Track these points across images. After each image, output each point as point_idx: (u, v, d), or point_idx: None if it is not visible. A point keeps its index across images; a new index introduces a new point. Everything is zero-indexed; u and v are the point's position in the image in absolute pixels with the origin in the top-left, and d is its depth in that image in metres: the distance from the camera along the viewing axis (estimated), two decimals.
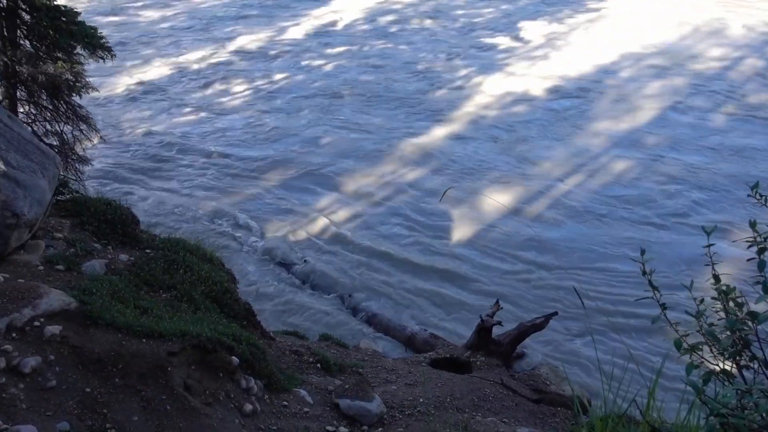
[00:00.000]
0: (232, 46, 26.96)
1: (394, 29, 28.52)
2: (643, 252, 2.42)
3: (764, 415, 1.82)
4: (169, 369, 4.73)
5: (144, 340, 4.81)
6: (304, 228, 13.88)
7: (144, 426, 4.34)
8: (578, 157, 16.94)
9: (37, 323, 4.56)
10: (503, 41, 26.81)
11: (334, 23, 29.73)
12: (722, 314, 2.21)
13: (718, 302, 2.24)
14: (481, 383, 7.74)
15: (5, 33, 9.62)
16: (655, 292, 2.39)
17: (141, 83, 23.31)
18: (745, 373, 2.15)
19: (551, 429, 6.82)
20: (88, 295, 5.10)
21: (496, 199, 13.48)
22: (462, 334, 10.02)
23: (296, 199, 15.14)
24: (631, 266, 11.56)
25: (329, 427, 5.61)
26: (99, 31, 9.98)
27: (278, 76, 23.93)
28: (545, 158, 16.92)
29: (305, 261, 12.43)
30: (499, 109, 20.43)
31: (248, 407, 5.18)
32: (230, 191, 15.60)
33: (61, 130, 10.49)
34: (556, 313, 9.23)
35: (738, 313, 2.16)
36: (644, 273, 2.41)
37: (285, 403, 5.69)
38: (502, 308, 9.57)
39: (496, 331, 9.11)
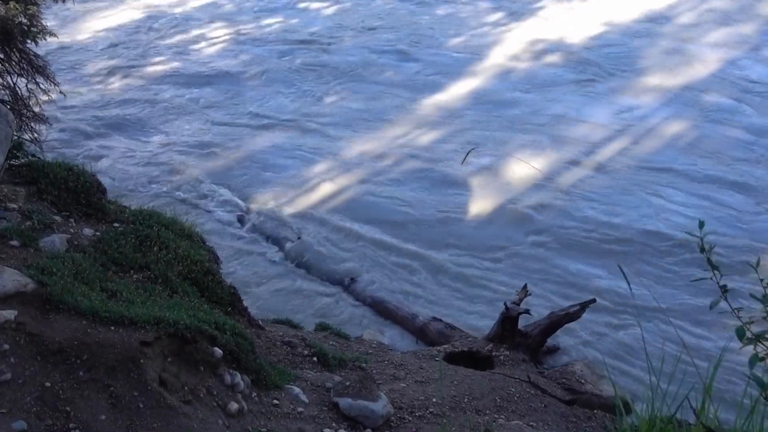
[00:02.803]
0: None
1: None
2: (701, 224, 2.38)
3: None
4: (141, 361, 4.75)
5: (112, 328, 4.83)
6: (298, 199, 13.86)
7: (112, 426, 4.37)
8: (623, 118, 16.76)
9: None
10: None
11: None
12: None
13: None
14: (504, 381, 7.74)
15: None
16: (715, 272, 2.36)
17: (108, 29, 23.21)
18: None
19: None
20: (48, 276, 5.11)
21: (529, 162, 13.36)
22: (483, 325, 10.03)
23: (290, 165, 15.09)
24: (686, 245, 11.53)
25: (327, 430, 5.64)
26: None
27: (268, 21, 23.75)
28: (583, 119, 16.75)
29: (299, 238, 12.43)
30: (531, 61, 20.23)
31: (233, 406, 5.21)
32: (213, 155, 15.57)
33: (14, 83, 10.42)
34: (593, 300, 9.22)
35: None
36: (702, 250, 2.37)
37: (276, 401, 5.73)
38: (530, 294, 9.57)
39: (524, 321, 9.12)
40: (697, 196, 13.53)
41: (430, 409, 6.59)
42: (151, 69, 20.33)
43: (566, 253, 11.83)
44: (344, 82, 19.17)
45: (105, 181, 7.71)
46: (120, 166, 15.15)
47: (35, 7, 9.83)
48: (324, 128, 16.65)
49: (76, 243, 6.08)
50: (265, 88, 18.88)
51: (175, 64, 20.65)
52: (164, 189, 14.24)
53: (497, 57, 20.44)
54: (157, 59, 21.05)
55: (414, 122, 16.82)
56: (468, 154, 13.01)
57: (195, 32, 23.17)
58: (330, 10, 24.82)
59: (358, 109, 17.61)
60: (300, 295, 11.09)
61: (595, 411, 7.57)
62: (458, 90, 18.45)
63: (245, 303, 7.59)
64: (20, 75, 10.44)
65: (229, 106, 18.03)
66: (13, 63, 10.32)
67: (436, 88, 18.65)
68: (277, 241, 12.55)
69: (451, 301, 10.83)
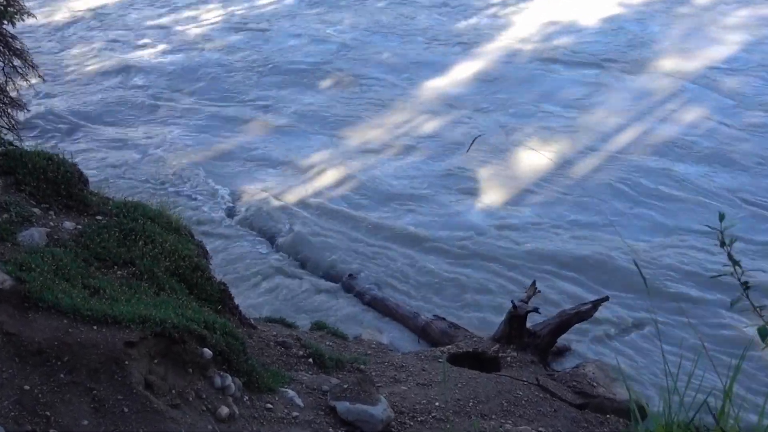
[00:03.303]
0: None
1: None
2: (722, 217, 2.38)
3: None
4: (126, 363, 4.76)
5: (95, 328, 4.84)
6: (292, 190, 13.85)
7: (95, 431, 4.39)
8: (639, 102, 16.75)
9: None
10: None
11: None
12: None
13: None
14: (512, 384, 7.71)
15: None
16: (736, 267, 2.36)
17: (90, 9, 23.15)
18: None
19: None
20: (26, 272, 5.11)
21: (539, 151, 13.32)
22: (489, 324, 10.04)
23: (283, 154, 15.07)
24: (705, 237, 11.53)
25: None
26: None
27: (261, 2, 23.71)
28: (597, 103, 16.74)
29: (294, 231, 12.42)
30: (540, 42, 20.20)
31: (224, 410, 5.22)
32: (201, 143, 15.55)
33: None
34: (606, 298, 9.21)
35: None
36: (722, 244, 2.37)
37: (269, 405, 5.74)
38: (539, 291, 9.56)
39: (533, 320, 9.12)
40: (722, 187, 13.52)
41: (433, 414, 6.59)
42: (136, 53, 20.30)
43: (580, 248, 11.83)
44: (339, 65, 19.15)
45: (87, 171, 7.67)
46: (102, 155, 15.13)
47: None
48: (318, 116, 16.62)
49: (56, 237, 6.06)
50: (254, 75, 18.86)
51: (162, 47, 20.62)
52: (150, 180, 14.22)
53: (505, 39, 20.41)
54: (142, 42, 21.01)
55: (414, 108, 16.80)
56: (473, 142, 12.93)
57: (186, 14, 23.14)
58: None
59: (355, 95, 17.58)
60: (294, 292, 11.09)
61: (608, 416, 7.57)
62: (461, 73, 18.41)
63: (236, 300, 7.56)
64: None
65: (219, 94, 18.00)
66: None
67: (438, 71, 18.60)
68: (269, 235, 12.54)
69: (455, 298, 10.84)
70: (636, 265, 3.97)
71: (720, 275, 2.38)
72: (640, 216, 12.73)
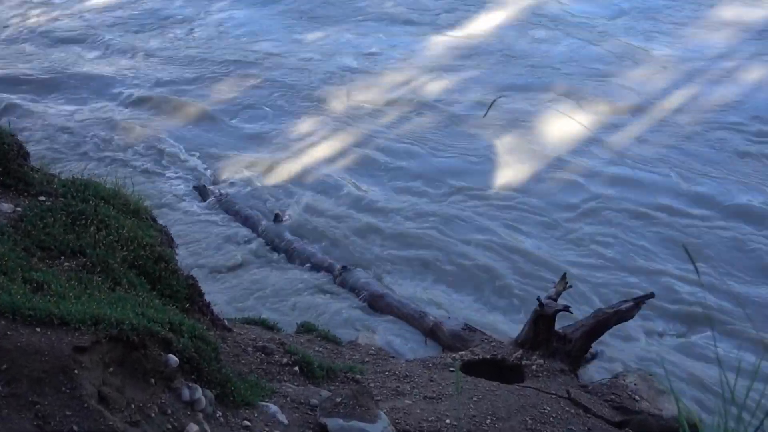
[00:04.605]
0: None
1: None
2: None
3: None
4: (75, 372, 4.68)
5: (38, 330, 4.79)
6: (277, 164, 13.79)
7: None
8: (691, 60, 16.66)
9: None
10: None
11: None
12: None
13: None
14: (537, 397, 7.64)
15: None
16: None
17: None
18: None
19: None
20: None
21: (571, 116, 13.25)
22: (510, 325, 10.04)
23: (263, 124, 15.01)
24: None
25: None
26: None
27: None
28: (641, 61, 16.66)
29: (277, 217, 12.40)
30: None
31: (193, 428, 5.18)
32: (165, 110, 15.47)
33: None
34: (652, 295, 9.14)
35: None
36: None
37: (247, 422, 5.69)
38: (570, 287, 9.51)
39: (563, 321, 9.11)
40: None
41: None
42: (89, 2, 20.30)
43: (618, 233, 11.80)
44: (334, 11, 19.07)
45: (28, 144, 7.66)
46: (47, 122, 15.07)
47: None
48: (309, 67, 16.53)
49: None
50: (235, 10, 18.85)
51: None
52: (104, 152, 14.14)
53: None
54: None
55: (423, 65, 16.70)
56: (492, 104, 12.87)
57: None
58: None
59: (353, 46, 17.48)
60: (277, 287, 11.07)
61: None
62: (479, 25, 18.31)
63: (207, 297, 7.50)
64: None
65: (189, 45, 17.95)
66: None
67: (451, 22, 18.50)
68: (248, 219, 12.50)
69: (470, 294, 10.81)
70: (687, 252, 3.90)
71: None
72: (696, 196, 12.67)
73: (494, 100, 13.04)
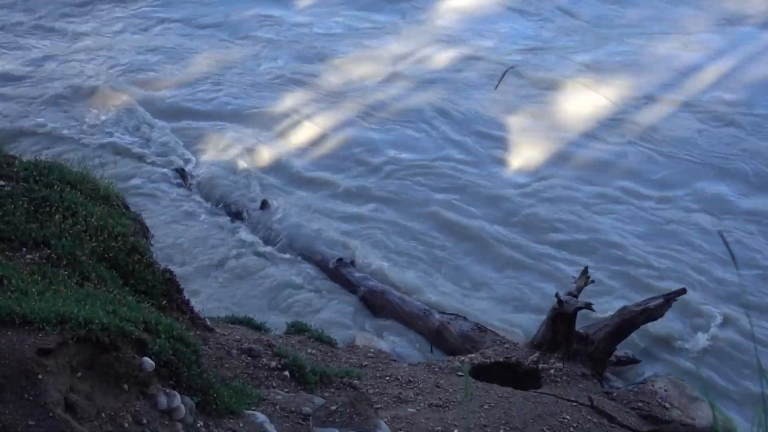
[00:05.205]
0: None
1: None
2: None
3: None
4: (39, 377, 4.64)
5: None
6: (265, 145, 13.93)
7: None
8: (725, 34, 16.66)
9: None
10: None
11: None
12: None
13: None
14: (556, 405, 7.77)
15: None
16: None
17: None
18: None
19: None
20: None
21: (596, 90, 13.30)
22: (526, 325, 10.03)
23: (249, 101, 15.09)
24: None
25: None
26: None
27: None
28: (668, 31, 16.74)
29: (264, 203, 12.41)
30: None
31: None
32: (141, 84, 15.61)
33: None
34: (683, 291, 9.19)
35: None
36: None
37: None
38: (593, 281, 9.54)
39: (584, 320, 9.04)
40: None
41: None
42: None
43: (649, 223, 11.76)
44: None
45: None
46: (6, 98, 15.04)
47: None
48: (301, 39, 16.56)
49: None
50: None
51: None
52: (70, 130, 14.19)
53: None
54: None
55: (425, 34, 16.72)
56: (503, 75, 12.98)
57: None
58: None
59: (347, 15, 17.54)
60: (265, 282, 11.09)
61: None
62: None
63: (187, 294, 7.63)
64: None
65: (168, 11, 17.98)
66: None
67: None
68: (233, 206, 12.52)
69: (481, 290, 10.84)
70: (723, 239, 3.86)
71: None
72: (732, 175, 12.62)
73: (506, 71, 13.16)
